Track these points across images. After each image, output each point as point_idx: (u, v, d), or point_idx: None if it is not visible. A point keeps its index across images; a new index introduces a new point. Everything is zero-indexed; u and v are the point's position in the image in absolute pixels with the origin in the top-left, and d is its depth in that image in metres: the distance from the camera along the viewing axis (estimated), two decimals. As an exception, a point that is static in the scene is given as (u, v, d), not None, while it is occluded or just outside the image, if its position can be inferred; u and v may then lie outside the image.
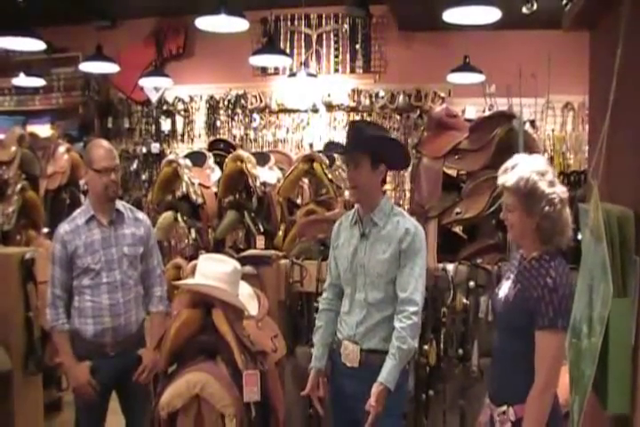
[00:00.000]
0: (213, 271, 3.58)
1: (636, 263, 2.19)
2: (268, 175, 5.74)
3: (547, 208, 2.77)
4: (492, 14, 6.01)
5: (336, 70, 9.48)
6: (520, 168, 2.85)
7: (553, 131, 8.37)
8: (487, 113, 6.14)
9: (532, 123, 7.48)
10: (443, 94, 8.92)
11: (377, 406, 3.34)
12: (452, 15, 5.98)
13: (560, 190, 2.84)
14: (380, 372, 3.40)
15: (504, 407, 2.88)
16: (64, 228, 3.96)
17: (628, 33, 2.24)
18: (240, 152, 5.67)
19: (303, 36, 9.56)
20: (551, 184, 2.82)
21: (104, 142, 4.08)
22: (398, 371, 3.39)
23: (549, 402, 2.73)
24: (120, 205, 4.09)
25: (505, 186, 2.89)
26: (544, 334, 2.74)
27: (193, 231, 5.46)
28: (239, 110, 9.59)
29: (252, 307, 3.92)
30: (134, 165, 9.90)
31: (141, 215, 4.20)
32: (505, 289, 3.00)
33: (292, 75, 8.85)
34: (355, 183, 3.58)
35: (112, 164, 3.93)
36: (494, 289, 3.21)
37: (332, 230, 3.81)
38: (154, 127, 10.02)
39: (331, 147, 4.24)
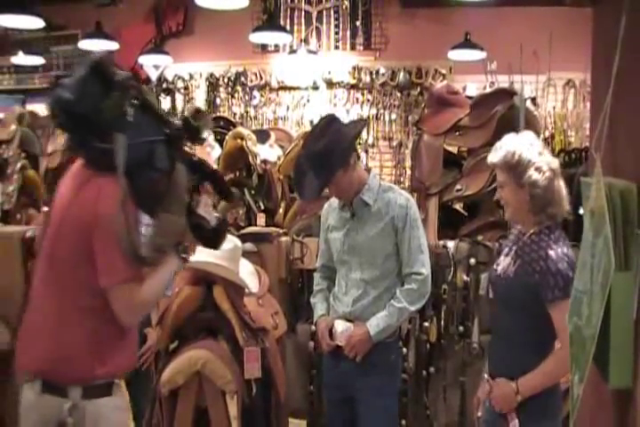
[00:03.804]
0: (214, 249, 3.58)
1: (638, 237, 2.19)
2: (268, 153, 5.72)
3: (535, 175, 2.79)
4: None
5: (336, 47, 9.41)
6: (507, 144, 2.87)
7: (554, 108, 8.33)
8: (488, 90, 6.10)
9: (533, 100, 7.42)
10: (444, 71, 8.86)
11: (354, 347, 3.44)
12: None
13: (549, 160, 2.85)
14: (372, 352, 3.44)
15: (502, 382, 2.90)
16: None
17: (632, 5, 2.22)
18: (240, 130, 5.65)
19: (303, 12, 9.48)
20: (540, 154, 2.84)
21: None
22: (386, 324, 3.44)
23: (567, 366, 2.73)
24: None
25: (494, 163, 2.93)
26: (560, 305, 2.70)
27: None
28: (239, 88, 9.52)
29: (252, 284, 3.92)
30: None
31: None
32: (504, 265, 3.00)
33: (293, 52, 8.81)
34: (339, 193, 3.57)
35: None
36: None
37: (322, 212, 3.80)
38: (154, 105, 9.96)
39: (302, 186, 3.81)
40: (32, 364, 2.53)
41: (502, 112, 4.67)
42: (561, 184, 2.88)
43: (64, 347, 2.51)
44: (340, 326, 3.53)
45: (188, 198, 2.66)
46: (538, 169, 2.80)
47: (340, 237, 3.60)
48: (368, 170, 3.68)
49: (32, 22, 6.67)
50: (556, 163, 2.89)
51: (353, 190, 3.53)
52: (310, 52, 8.76)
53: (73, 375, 2.53)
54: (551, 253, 2.77)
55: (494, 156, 2.91)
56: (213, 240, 2.80)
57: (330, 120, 3.61)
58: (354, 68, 9.18)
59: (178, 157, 2.59)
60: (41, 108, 8.87)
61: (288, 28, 9.10)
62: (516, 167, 2.83)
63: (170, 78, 9.84)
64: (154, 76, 9.80)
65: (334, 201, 3.72)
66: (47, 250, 2.55)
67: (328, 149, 3.41)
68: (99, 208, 2.43)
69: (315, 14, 9.47)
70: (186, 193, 2.63)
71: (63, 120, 2.49)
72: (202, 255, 3.59)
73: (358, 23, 9.30)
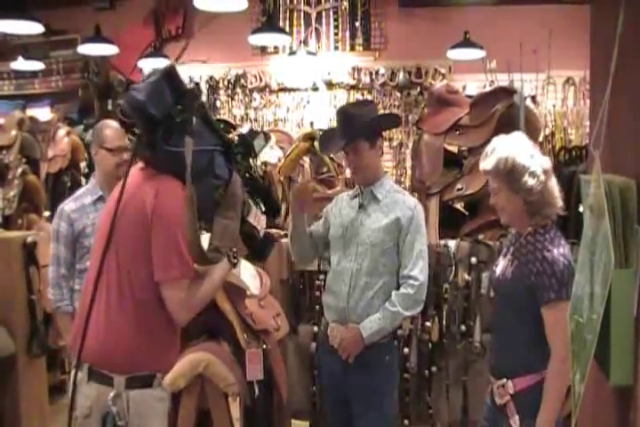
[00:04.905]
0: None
1: (638, 234, 2.18)
2: (268, 154, 5.71)
3: (530, 181, 2.78)
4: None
5: (336, 48, 9.37)
6: (498, 150, 2.86)
7: (554, 106, 8.30)
8: (488, 89, 6.10)
9: (533, 98, 7.41)
10: (443, 71, 8.82)
11: (346, 349, 3.46)
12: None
13: (542, 161, 2.84)
14: (366, 353, 3.44)
15: (503, 380, 2.90)
16: (70, 206, 3.93)
17: (629, 2, 2.22)
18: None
19: (302, 14, 9.46)
20: (531, 157, 2.82)
21: (114, 123, 4.05)
22: (380, 327, 3.46)
23: (569, 370, 2.72)
24: None
25: (486, 170, 2.92)
26: (552, 307, 2.72)
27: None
28: (239, 90, 9.49)
29: (254, 286, 3.92)
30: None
31: None
32: (502, 266, 3.00)
33: (292, 53, 8.78)
34: (357, 168, 3.62)
35: (124, 143, 3.89)
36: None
37: (329, 205, 3.84)
38: (154, 109, 9.93)
39: (326, 141, 4.04)
40: (82, 351, 2.59)
41: (502, 111, 4.67)
42: (554, 184, 2.87)
43: (112, 336, 2.60)
44: (335, 328, 3.54)
45: (241, 208, 2.80)
46: (532, 174, 2.79)
47: (343, 223, 3.65)
48: (385, 172, 3.76)
49: (31, 27, 6.64)
50: (548, 163, 2.87)
51: (369, 175, 3.62)
52: (310, 53, 8.74)
53: (118, 365, 2.62)
54: (547, 254, 2.76)
55: (486, 163, 2.89)
56: (261, 250, 3.02)
57: (369, 101, 4.27)
58: (353, 69, 9.15)
59: (234, 168, 2.74)
60: (41, 113, 8.92)
61: (287, 29, 9.08)
62: (509, 174, 2.82)
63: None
64: (153, 79, 9.78)
65: (344, 196, 3.80)
66: (102, 244, 2.62)
67: (362, 115, 3.58)
68: (157, 205, 2.55)
69: (314, 15, 9.45)
70: (240, 202, 2.77)
71: (135, 120, 2.62)
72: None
73: (357, 24, 9.27)
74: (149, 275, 2.56)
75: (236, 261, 2.77)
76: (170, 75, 2.59)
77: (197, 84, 2.53)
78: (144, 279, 2.57)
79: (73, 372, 2.65)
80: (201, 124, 2.65)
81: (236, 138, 2.83)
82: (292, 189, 3.65)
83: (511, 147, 2.85)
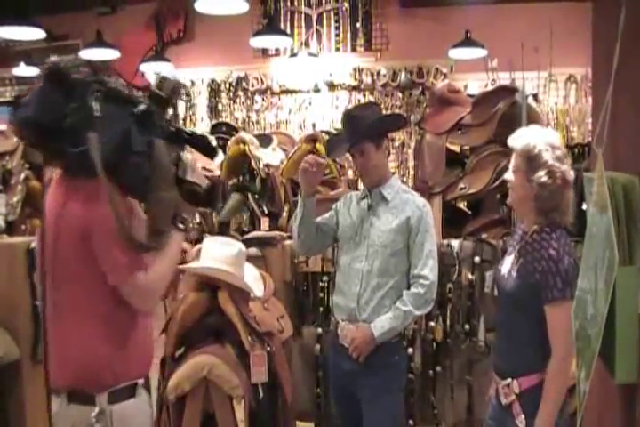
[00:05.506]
0: (218, 254, 3.57)
1: (641, 231, 2.17)
2: (270, 157, 5.70)
3: (544, 178, 2.76)
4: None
5: (337, 49, 9.39)
6: (531, 135, 2.86)
7: (556, 104, 8.32)
8: (490, 88, 6.10)
9: (535, 96, 7.38)
10: (445, 70, 8.84)
11: (357, 348, 3.46)
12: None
13: (565, 168, 2.82)
14: (375, 353, 3.45)
15: (508, 380, 2.88)
16: None
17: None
18: (242, 134, 5.63)
19: (303, 15, 9.48)
20: (558, 159, 2.80)
21: None
22: (391, 326, 3.46)
23: (570, 370, 2.72)
24: None
25: (514, 147, 2.90)
26: (556, 306, 2.71)
27: (197, 215, 5.43)
28: (241, 93, 9.50)
29: (257, 288, 3.91)
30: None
31: None
32: (507, 265, 2.99)
33: (293, 55, 8.79)
34: (364, 170, 3.62)
35: None
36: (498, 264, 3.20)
37: (337, 203, 3.81)
38: (156, 112, 9.94)
39: (332, 146, 4.01)
40: (58, 379, 2.51)
41: (504, 109, 4.68)
42: (571, 196, 2.85)
43: (86, 357, 2.53)
44: (346, 327, 3.53)
45: (174, 169, 2.67)
46: (550, 173, 2.77)
47: (353, 225, 3.64)
48: (392, 173, 3.76)
49: (33, 33, 6.68)
50: (571, 174, 2.84)
51: (376, 176, 3.62)
52: (311, 54, 8.74)
53: (98, 384, 2.55)
54: (552, 252, 2.75)
55: (517, 141, 2.89)
56: (209, 201, 2.93)
57: (373, 103, 4.34)
58: (355, 70, 9.16)
59: (153, 133, 2.57)
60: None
61: (288, 31, 9.10)
62: (531, 161, 2.81)
63: (171, 85, 9.80)
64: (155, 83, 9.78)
65: (353, 196, 3.78)
66: (49, 266, 2.54)
67: (365, 117, 3.57)
68: (89, 213, 2.44)
69: (315, 17, 9.46)
70: (171, 165, 2.64)
71: (32, 138, 2.52)
72: (206, 261, 3.59)
73: (358, 25, 9.29)
74: (101, 282, 2.48)
75: (183, 226, 2.68)
76: (55, 74, 2.44)
77: (89, 62, 2.39)
78: (97, 288, 2.50)
79: (53, 397, 2.55)
80: (106, 104, 2.44)
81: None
82: (302, 161, 3.58)
83: (544, 139, 2.84)
